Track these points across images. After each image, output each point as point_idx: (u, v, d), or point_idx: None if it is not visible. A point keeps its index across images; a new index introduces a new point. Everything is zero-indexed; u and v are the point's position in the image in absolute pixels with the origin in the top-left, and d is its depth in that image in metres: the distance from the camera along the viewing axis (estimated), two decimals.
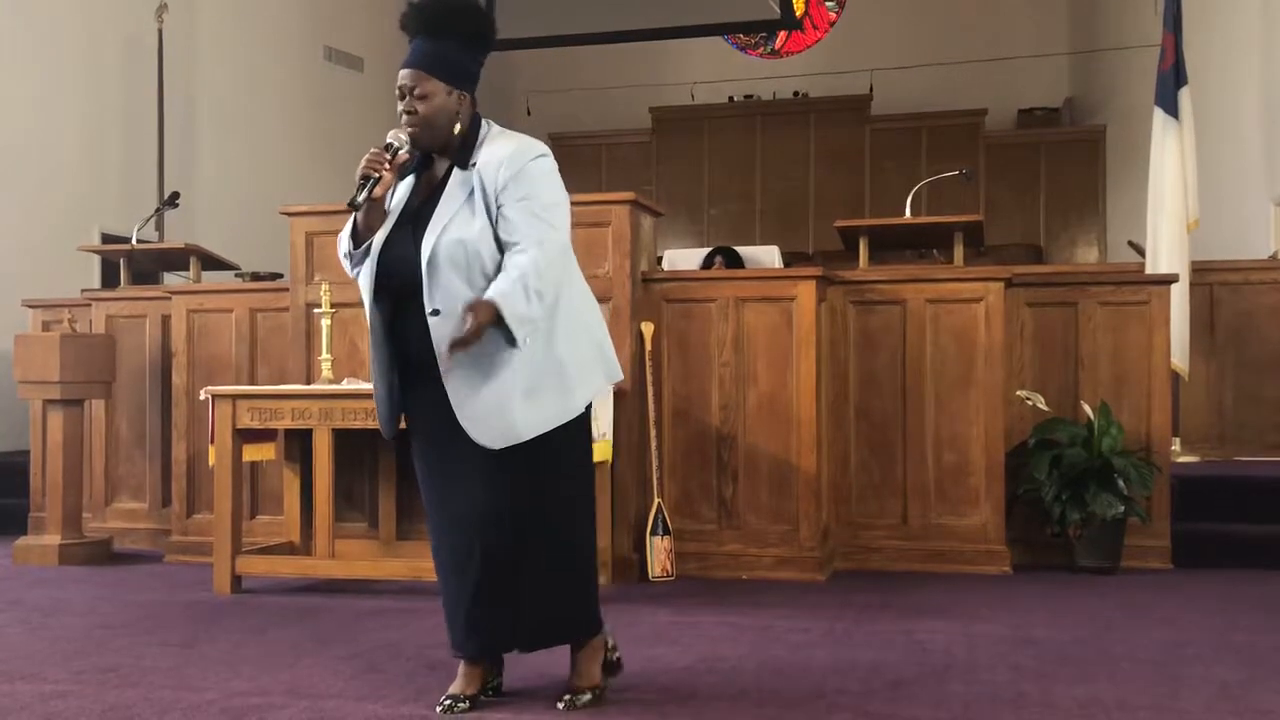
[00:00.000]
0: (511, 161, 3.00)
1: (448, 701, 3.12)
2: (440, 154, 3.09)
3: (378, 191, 2.98)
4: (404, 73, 3.05)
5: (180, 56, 10.07)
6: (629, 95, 14.01)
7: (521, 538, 3.04)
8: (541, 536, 3.06)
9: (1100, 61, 12.81)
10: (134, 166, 9.56)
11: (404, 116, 3.04)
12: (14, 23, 8.62)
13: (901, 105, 13.60)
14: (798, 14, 13.80)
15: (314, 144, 11.96)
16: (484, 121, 3.13)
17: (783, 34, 14.73)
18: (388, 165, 2.99)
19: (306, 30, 12.17)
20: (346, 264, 3.11)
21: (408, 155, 3.04)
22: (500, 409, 2.96)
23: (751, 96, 14.30)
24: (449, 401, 2.98)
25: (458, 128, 3.06)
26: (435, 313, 2.95)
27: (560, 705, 3.07)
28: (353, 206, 2.99)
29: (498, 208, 2.98)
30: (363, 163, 2.98)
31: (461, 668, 3.18)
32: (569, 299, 3.08)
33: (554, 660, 3.29)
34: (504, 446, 2.97)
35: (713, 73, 14.40)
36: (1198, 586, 4.94)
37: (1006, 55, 13.36)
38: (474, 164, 3.03)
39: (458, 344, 2.83)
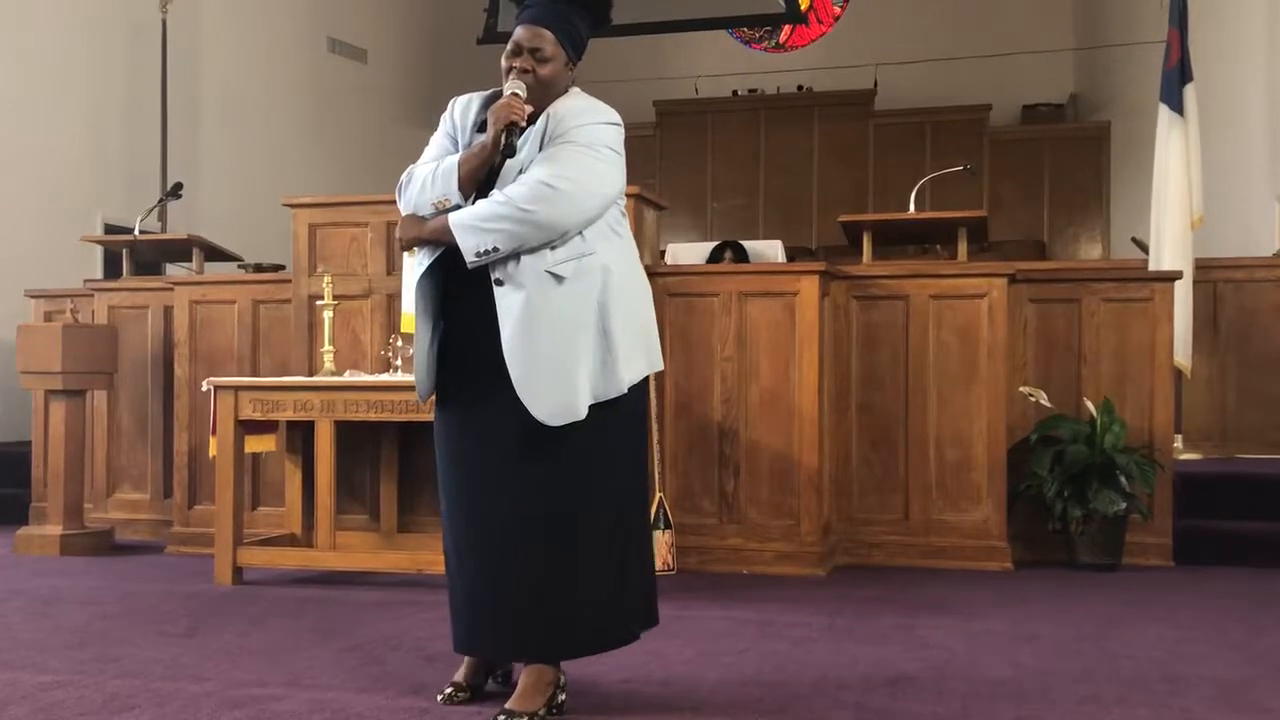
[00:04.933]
0: (581, 115, 2.93)
1: (449, 690, 3.11)
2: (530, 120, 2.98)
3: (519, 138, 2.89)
4: (529, 30, 2.92)
5: (184, 47, 10.06)
6: (633, 89, 13.95)
7: (531, 537, 2.90)
8: (545, 543, 2.89)
9: (1105, 58, 12.79)
10: (137, 157, 9.55)
11: (516, 74, 2.91)
12: (17, 12, 8.61)
13: (906, 100, 13.58)
14: (802, 8, 13.76)
15: (317, 135, 11.97)
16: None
17: (787, 28, 14.70)
18: (526, 111, 2.87)
19: (310, 21, 12.16)
20: (430, 211, 2.92)
21: (532, 108, 2.92)
22: (561, 381, 2.83)
23: (755, 91, 14.28)
24: (490, 384, 2.87)
25: (561, 101, 2.97)
26: (499, 282, 2.86)
27: None
28: (511, 153, 2.87)
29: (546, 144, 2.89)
30: (504, 108, 2.84)
31: (466, 656, 3.16)
32: (621, 272, 2.96)
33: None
34: (562, 424, 2.82)
35: (717, 66, 14.38)
36: (1199, 584, 4.94)
37: (1011, 51, 13.33)
38: (545, 114, 2.92)
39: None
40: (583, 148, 2.90)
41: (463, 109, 3.09)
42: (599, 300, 2.91)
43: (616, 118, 3.02)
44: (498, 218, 2.82)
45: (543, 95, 2.95)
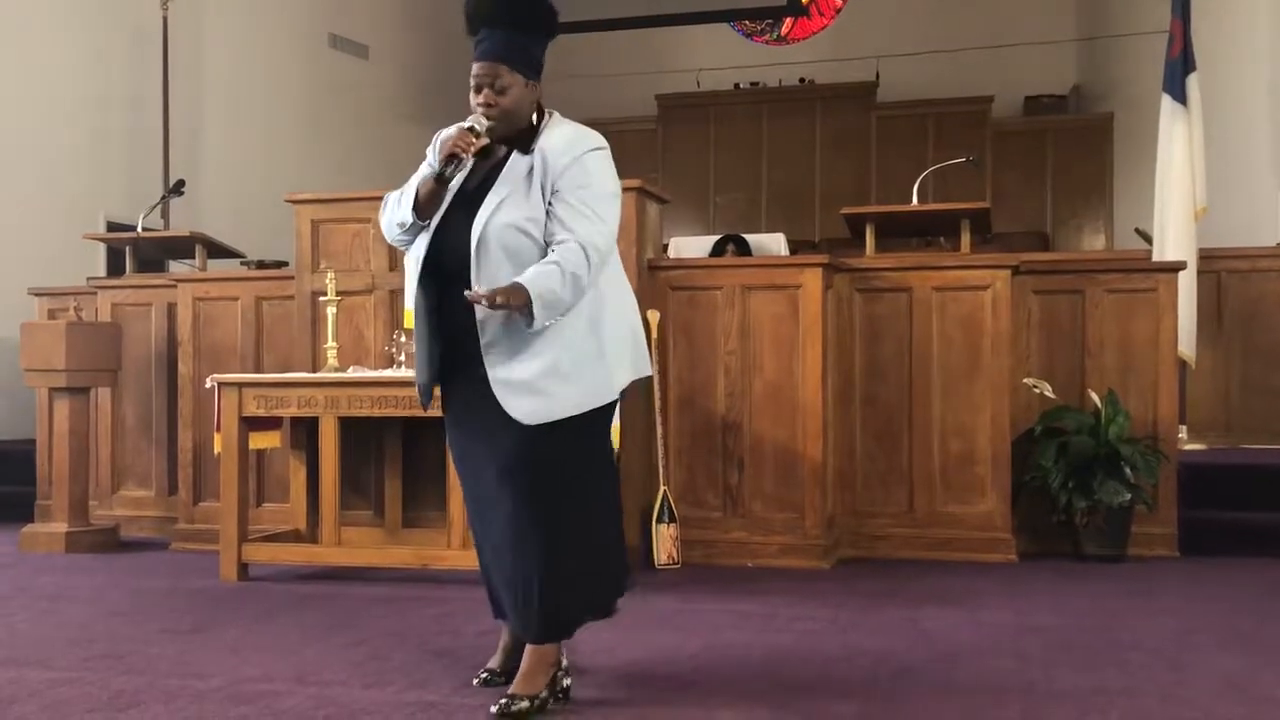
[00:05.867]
0: (570, 149, 3.02)
1: (485, 675, 3.25)
2: (504, 141, 3.09)
3: (457, 171, 3.00)
4: (483, 65, 3.02)
5: (185, 44, 10.06)
6: (635, 82, 13.97)
7: (525, 529, 3.01)
8: (539, 526, 3.00)
9: (1108, 48, 12.76)
10: (139, 154, 9.56)
11: (481, 108, 3.02)
12: (18, 11, 8.61)
13: (908, 92, 13.56)
14: (803, 1, 13.75)
15: (319, 131, 11.96)
16: (546, 110, 3.15)
17: (789, 21, 14.69)
18: (473, 147, 2.97)
19: (312, 17, 12.16)
20: (395, 231, 3.11)
21: (487, 141, 3.02)
22: (538, 386, 2.95)
23: (757, 83, 14.26)
24: (485, 382, 2.97)
25: (534, 119, 3.08)
26: None
27: (494, 710, 2.95)
28: (440, 180, 2.98)
29: (553, 193, 2.99)
30: (450, 140, 2.96)
31: (501, 641, 3.27)
32: (610, 286, 3.09)
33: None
34: (538, 423, 2.95)
35: (719, 60, 14.36)
36: (1204, 574, 4.94)
37: (1013, 42, 13.30)
38: (534, 148, 3.03)
39: (492, 303, 2.82)
40: (590, 203, 2.99)
41: (444, 140, 3.17)
42: (591, 315, 3.03)
43: (602, 142, 3.12)
44: (562, 298, 2.90)
45: (513, 119, 3.05)
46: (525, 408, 2.95)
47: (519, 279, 2.88)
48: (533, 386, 2.95)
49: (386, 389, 4.79)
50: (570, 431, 3.00)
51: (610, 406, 3.11)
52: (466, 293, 2.85)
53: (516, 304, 2.84)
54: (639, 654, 3.54)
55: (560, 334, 2.97)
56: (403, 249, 3.16)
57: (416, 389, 3.19)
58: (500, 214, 2.97)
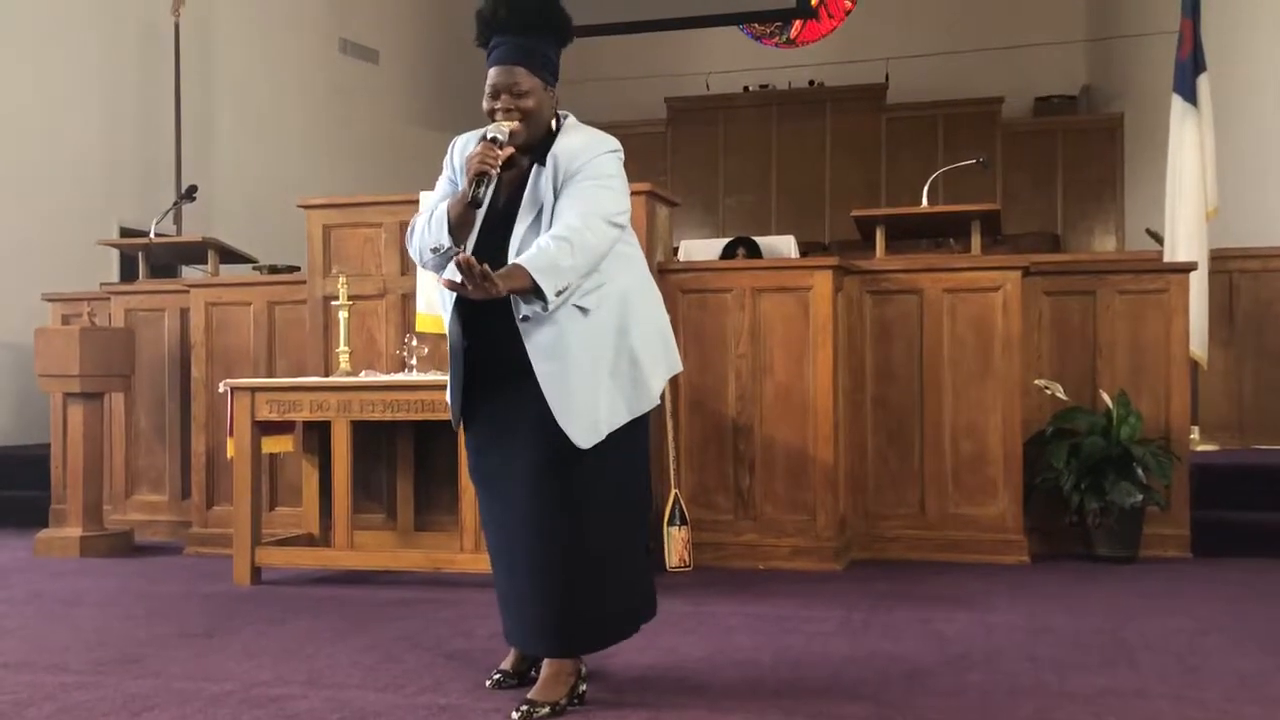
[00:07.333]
0: (585, 151, 3.00)
1: (497, 676, 3.25)
2: (523, 151, 3.05)
3: (490, 189, 2.95)
4: (501, 69, 2.99)
5: (196, 50, 10.10)
6: (644, 85, 13.99)
7: (552, 541, 3.00)
8: (563, 541, 2.99)
9: (1118, 49, 12.74)
10: (151, 160, 9.60)
11: (500, 114, 2.98)
12: (30, 16, 8.66)
13: (918, 94, 13.56)
14: (813, 3, 13.75)
15: (330, 136, 12.01)
16: (560, 114, 3.12)
17: (798, 23, 14.69)
18: (500, 159, 2.93)
19: (322, 22, 12.20)
20: (427, 256, 3.05)
21: (512, 150, 2.98)
22: (590, 405, 2.95)
23: (767, 86, 14.27)
24: (512, 402, 2.99)
25: (553, 124, 3.07)
26: (525, 319, 2.92)
27: (515, 715, 2.95)
28: (476, 204, 2.93)
29: (561, 186, 2.97)
30: (475, 158, 2.90)
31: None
32: (636, 290, 3.08)
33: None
34: (593, 444, 2.94)
35: (728, 62, 14.38)
36: (1217, 575, 4.92)
37: (1023, 43, 13.30)
38: (549, 155, 3.01)
39: (482, 277, 2.68)
40: (593, 181, 2.98)
41: (461, 149, 3.16)
42: (620, 324, 3.01)
43: (616, 144, 3.10)
44: (563, 261, 2.83)
45: (533, 125, 3.03)
46: (584, 432, 2.93)
47: (516, 260, 2.82)
48: (586, 406, 2.94)
49: (398, 393, 4.80)
50: (600, 449, 2.97)
51: (646, 415, 3.11)
52: (457, 256, 2.72)
53: (519, 286, 2.77)
54: (651, 656, 3.54)
55: (594, 349, 2.96)
56: (436, 273, 3.10)
57: (451, 416, 3.18)
58: (531, 241, 2.93)
